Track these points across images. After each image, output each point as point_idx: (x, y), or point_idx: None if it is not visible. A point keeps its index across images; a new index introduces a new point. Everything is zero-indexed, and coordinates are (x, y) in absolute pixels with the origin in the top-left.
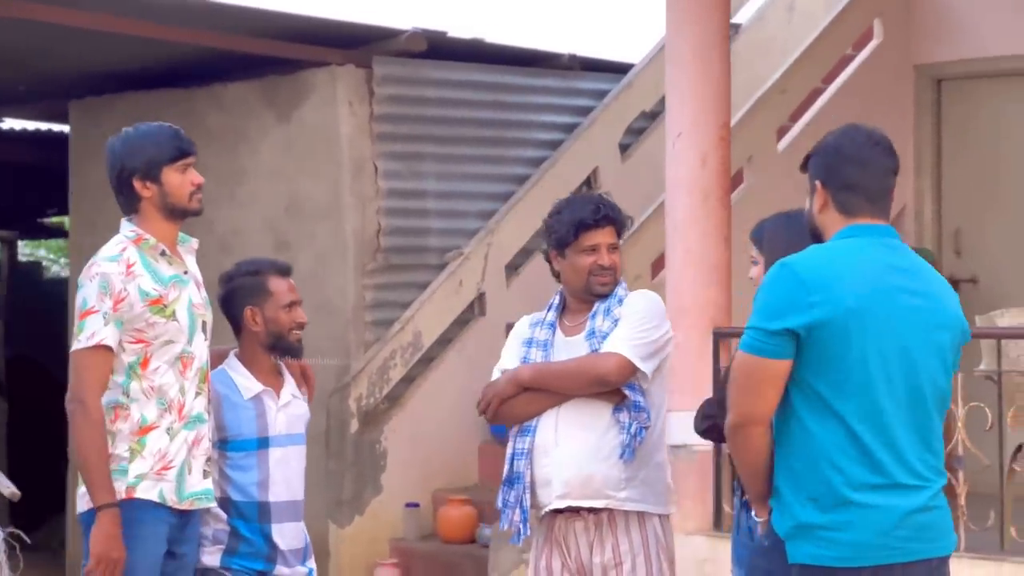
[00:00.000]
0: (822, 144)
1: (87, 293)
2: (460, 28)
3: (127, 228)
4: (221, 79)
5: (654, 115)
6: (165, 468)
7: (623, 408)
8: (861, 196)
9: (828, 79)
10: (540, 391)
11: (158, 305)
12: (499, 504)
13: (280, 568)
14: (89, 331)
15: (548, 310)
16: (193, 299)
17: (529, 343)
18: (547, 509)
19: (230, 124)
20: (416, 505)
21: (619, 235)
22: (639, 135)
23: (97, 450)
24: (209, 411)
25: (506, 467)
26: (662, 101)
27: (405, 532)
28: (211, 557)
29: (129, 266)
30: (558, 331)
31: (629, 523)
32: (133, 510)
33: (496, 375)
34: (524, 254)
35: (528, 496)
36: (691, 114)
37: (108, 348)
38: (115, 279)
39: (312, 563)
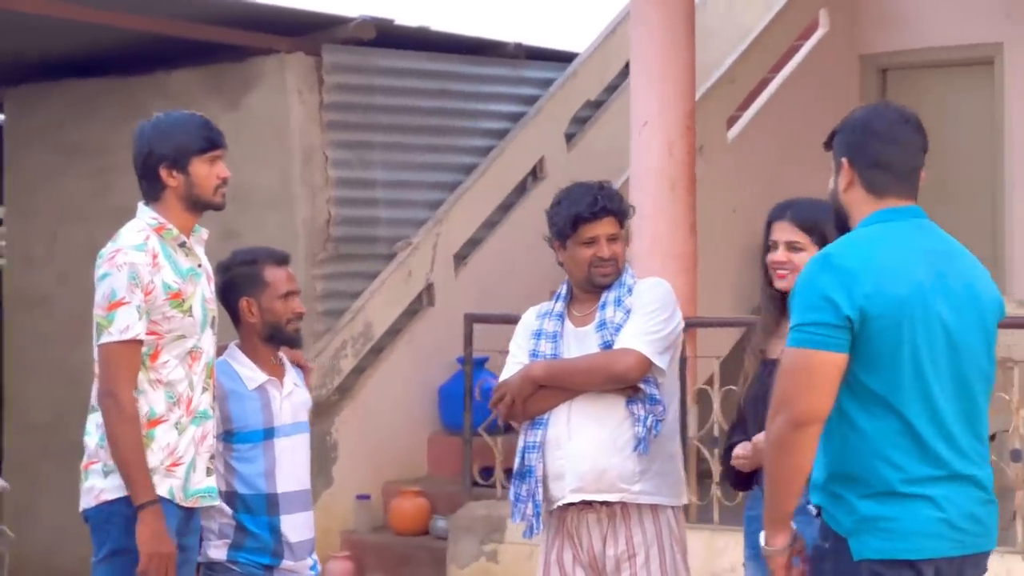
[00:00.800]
0: (849, 120)
1: (116, 283)
2: (407, 16)
3: (148, 215)
4: (164, 67)
5: (598, 104)
6: (175, 464)
7: (637, 400)
8: (890, 175)
9: (775, 68)
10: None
11: (177, 299)
12: (511, 497)
13: (286, 562)
14: (122, 324)
15: (556, 300)
16: (206, 294)
17: (538, 335)
18: (560, 503)
19: None
20: (367, 497)
21: (621, 224)
22: (583, 124)
23: (134, 446)
24: (214, 407)
25: (517, 460)
26: (607, 90)
27: (356, 524)
28: (217, 551)
29: (155, 256)
30: (567, 322)
31: (643, 515)
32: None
33: (508, 369)
34: (472, 244)
35: (541, 490)
36: (657, 103)
37: (140, 342)
38: (143, 270)
39: (315, 556)
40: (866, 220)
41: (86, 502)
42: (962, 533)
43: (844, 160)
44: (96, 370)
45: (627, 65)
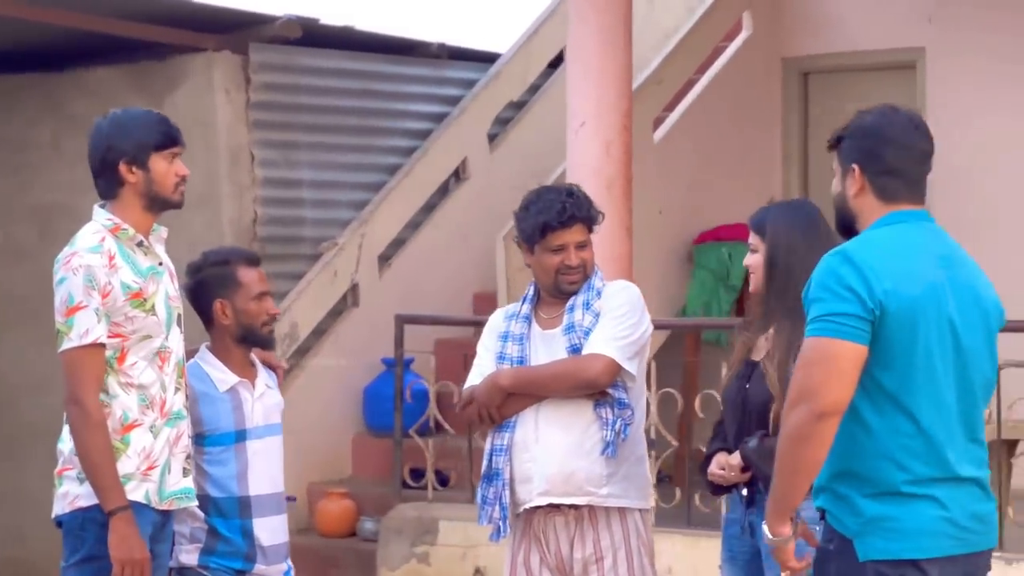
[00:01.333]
0: (859, 126)
1: (72, 287)
2: (332, 15)
3: (103, 216)
4: (86, 63)
5: (520, 105)
6: (151, 468)
7: (605, 404)
8: (901, 181)
9: (700, 70)
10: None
11: (138, 299)
12: (478, 500)
13: (259, 566)
14: (82, 328)
15: (523, 302)
16: (169, 291)
17: (505, 337)
18: (527, 506)
19: (96, 110)
20: (293, 499)
21: (590, 230)
22: (506, 125)
23: (102, 452)
24: (187, 407)
25: (484, 463)
26: (529, 91)
27: None
28: (189, 556)
29: (111, 258)
30: (534, 324)
31: (610, 518)
32: None
33: (474, 372)
34: (396, 245)
35: (508, 493)
36: (594, 102)
37: (102, 345)
38: (99, 272)
39: (289, 562)
40: (878, 222)
41: (60, 508)
42: (966, 532)
43: (855, 167)
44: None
45: (549, 65)
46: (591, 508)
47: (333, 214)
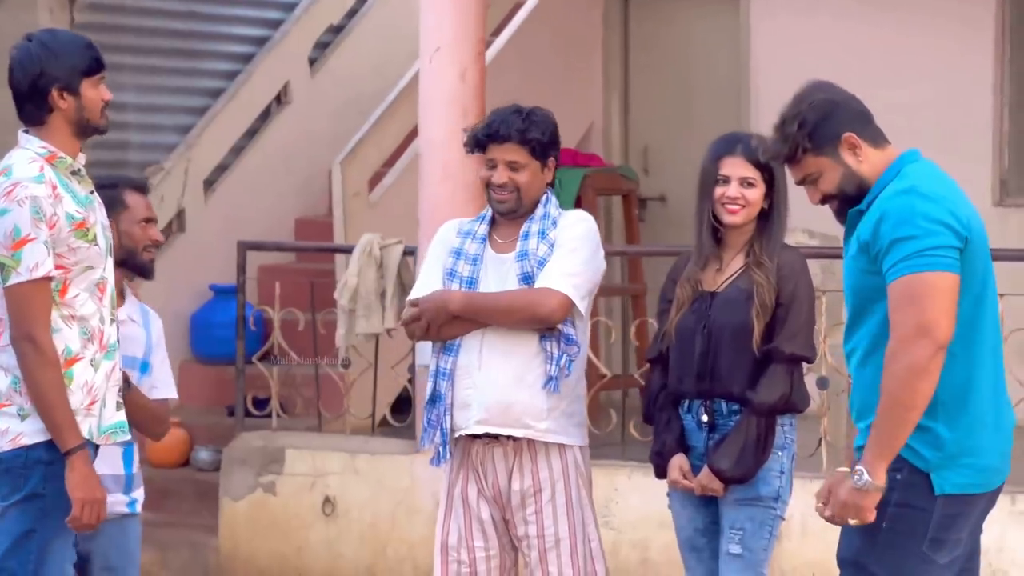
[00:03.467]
0: (816, 107)
1: (19, 219)
2: None
3: (35, 144)
4: None
5: (339, 29)
6: (92, 402)
7: (551, 338)
8: (875, 126)
9: None
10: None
11: (82, 229)
12: (423, 423)
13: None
14: (31, 262)
15: (479, 221)
16: (103, 220)
17: (457, 254)
18: (463, 433)
19: None
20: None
21: (533, 154)
22: (325, 49)
23: (58, 389)
24: (118, 339)
25: (429, 385)
26: (348, 15)
27: None
28: None
29: (54, 187)
30: (488, 247)
31: (549, 452)
32: (55, 449)
33: (420, 283)
34: (220, 170)
35: (448, 418)
36: (450, 29)
37: (51, 279)
38: (45, 203)
39: (139, 494)
40: (895, 163)
41: (4, 446)
42: (1007, 462)
43: (850, 135)
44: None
45: None
46: (530, 441)
47: (158, 138)
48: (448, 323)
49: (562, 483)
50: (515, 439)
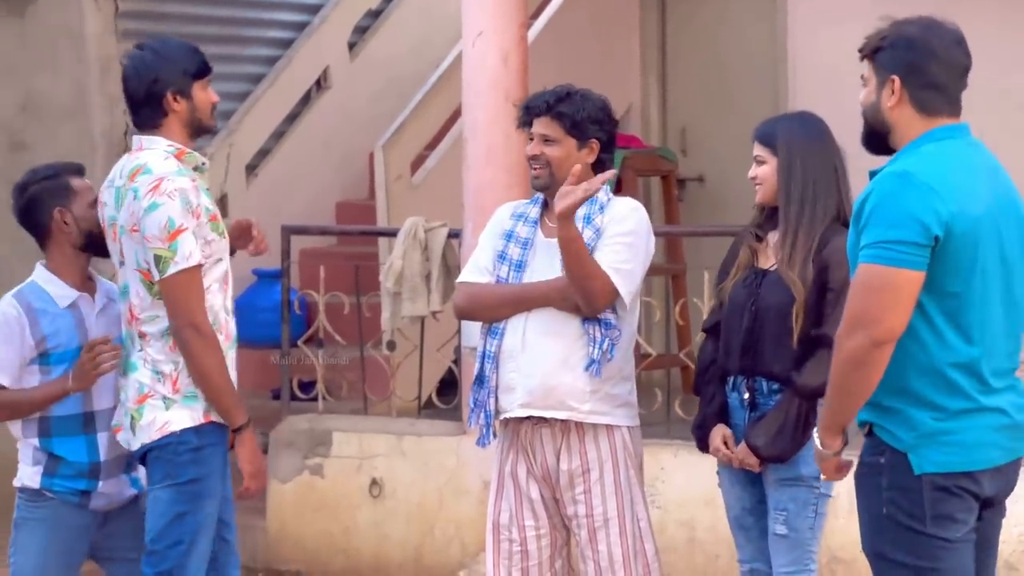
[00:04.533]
0: (901, 36)
1: (172, 211)
2: None
3: (163, 143)
4: None
5: (378, 13)
6: None
7: (594, 322)
8: (942, 95)
9: None
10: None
11: (216, 221)
12: (470, 403)
13: (103, 483)
14: (186, 250)
15: (532, 203)
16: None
17: (509, 236)
18: (507, 415)
19: None
20: None
21: (567, 131)
22: (364, 33)
23: (222, 371)
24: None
25: (476, 365)
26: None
27: None
28: (31, 479)
29: (193, 180)
30: (539, 230)
31: (597, 432)
32: (207, 435)
33: (470, 265)
34: (262, 155)
35: (492, 400)
36: (492, 13)
37: (201, 267)
38: (191, 195)
39: (140, 473)
40: (924, 137)
41: (146, 436)
42: (1012, 440)
43: (896, 78)
44: (135, 302)
45: None
46: (577, 423)
47: None
48: (498, 307)
49: (610, 463)
50: (562, 420)
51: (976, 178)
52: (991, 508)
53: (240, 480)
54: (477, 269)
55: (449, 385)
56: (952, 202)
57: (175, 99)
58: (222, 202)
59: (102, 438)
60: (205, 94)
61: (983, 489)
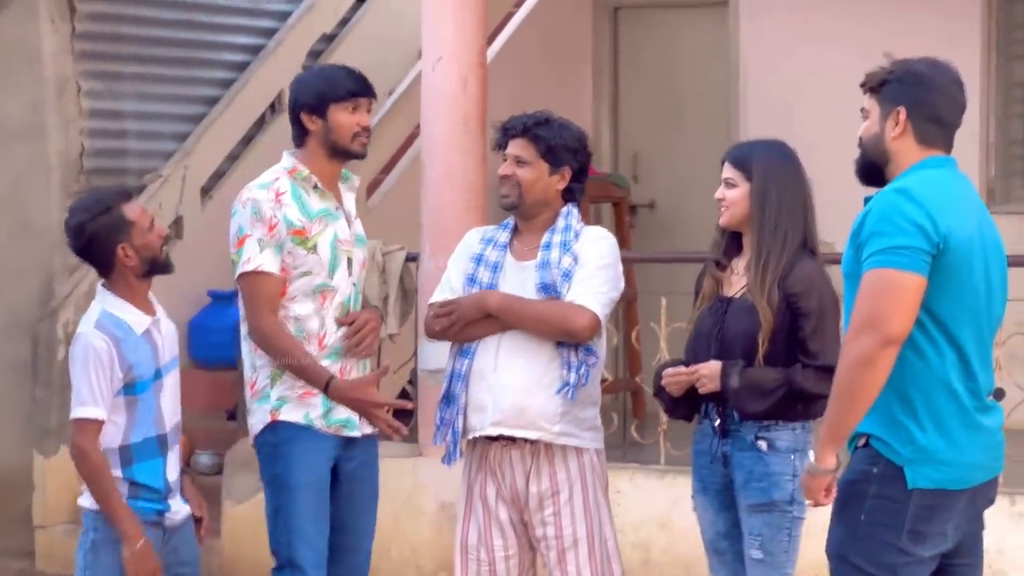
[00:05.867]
0: (909, 71)
1: (241, 220)
2: None
3: (286, 160)
4: None
5: (332, 37)
6: (308, 393)
7: (569, 345)
8: (942, 130)
9: (518, 3)
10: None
11: (300, 236)
12: (436, 421)
13: (172, 502)
14: (246, 256)
15: (502, 228)
16: (340, 235)
17: (478, 260)
18: (476, 434)
19: None
20: None
21: (540, 153)
22: (318, 57)
23: (294, 350)
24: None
25: (444, 385)
26: (341, 23)
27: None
28: None
29: (279, 194)
30: (508, 254)
31: (566, 454)
32: (280, 432)
33: (441, 288)
34: (217, 177)
35: (461, 419)
36: (451, 38)
37: (267, 273)
38: (265, 206)
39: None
40: (919, 164)
41: (252, 439)
42: (992, 459)
43: (901, 109)
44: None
45: None
46: (546, 444)
47: (156, 146)
48: (473, 324)
49: (579, 485)
50: (531, 442)
51: (966, 205)
52: (971, 519)
53: None
54: (450, 290)
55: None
56: (949, 217)
57: (310, 118)
58: (177, 224)
59: (170, 458)
60: (347, 117)
61: (962, 507)
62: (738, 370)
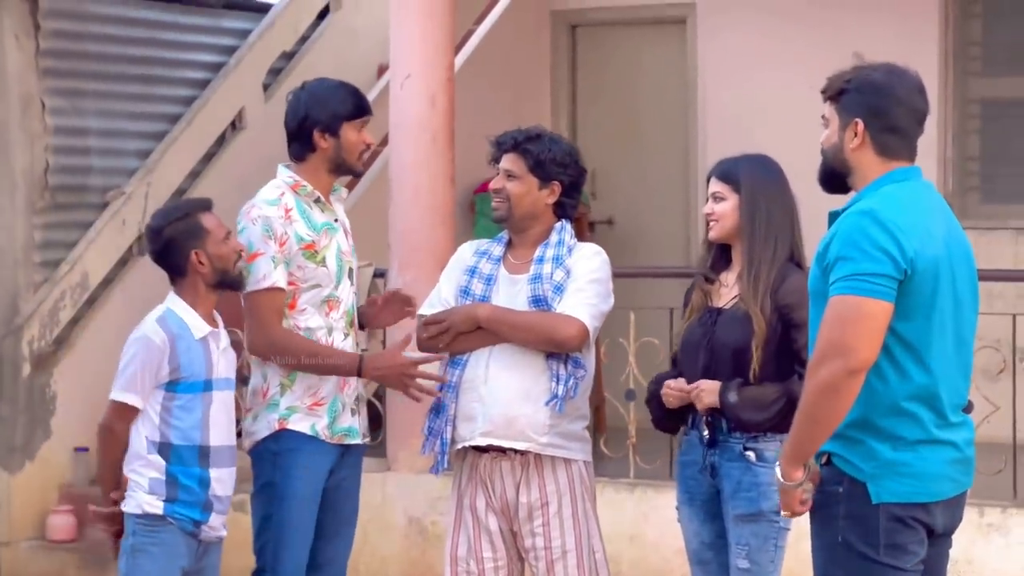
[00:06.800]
0: (866, 81)
1: (252, 236)
2: None
3: (285, 174)
4: None
5: (292, 55)
6: (316, 404)
7: (558, 358)
8: (902, 140)
9: (478, 20)
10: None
11: (310, 250)
12: (424, 431)
13: (214, 516)
14: (260, 274)
15: (496, 242)
16: (342, 246)
17: (472, 272)
18: (465, 444)
19: None
20: (85, 449)
21: (530, 168)
22: (278, 75)
23: (312, 349)
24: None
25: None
26: (301, 41)
27: (74, 477)
28: (152, 506)
29: (287, 211)
30: (502, 267)
31: (556, 465)
32: (285, 441)
33: (432, 299)
34: (179, 194)
35: (450, 430)
36: (420, 56)
37: (279, 289)
38: (276, 223)
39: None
40: (884, 178)
41: (249, 444)
42: (961, 473)
43: (859, 121)
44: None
45: (318, 16)
46: (536, 455)
47: (119, 163)
48: (463, 336)
49: (568, 496)
50: (521, 453)
51: (932, 219)
52: (939, 539)
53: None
54: (440, 302)
55: (374, 421)
56: (915, 240)
57: (322, 136)
58: (140, 241)
59: (214, 473)
60: (356, 135)
61: (935, 520)
62: (735, 386)
